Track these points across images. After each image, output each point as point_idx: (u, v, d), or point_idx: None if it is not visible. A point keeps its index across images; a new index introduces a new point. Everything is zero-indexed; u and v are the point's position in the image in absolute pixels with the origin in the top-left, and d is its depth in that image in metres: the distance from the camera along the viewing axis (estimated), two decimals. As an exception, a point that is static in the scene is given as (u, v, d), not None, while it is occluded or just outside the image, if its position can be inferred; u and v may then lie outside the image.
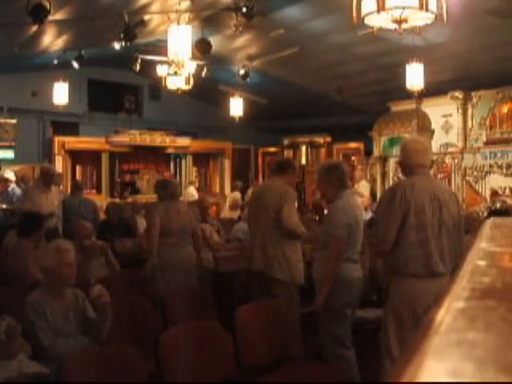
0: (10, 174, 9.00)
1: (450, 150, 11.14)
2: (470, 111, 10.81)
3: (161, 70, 9.21)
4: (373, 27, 5.08)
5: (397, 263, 3.23)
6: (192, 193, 12.35)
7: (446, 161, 11.06)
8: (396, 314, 3.24)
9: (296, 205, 4.78)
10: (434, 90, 9.61)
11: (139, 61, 9.18)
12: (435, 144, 11.47)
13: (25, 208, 6.32)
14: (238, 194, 12.04)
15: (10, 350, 2.81)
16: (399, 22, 4.78)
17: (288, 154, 14.49)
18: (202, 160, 14.50)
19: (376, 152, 12.11)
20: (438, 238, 3.22)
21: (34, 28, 7.74)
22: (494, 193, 10.13)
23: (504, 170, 10.24)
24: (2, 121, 11.69)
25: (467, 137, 10.87)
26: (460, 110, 10.85)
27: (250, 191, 12.54)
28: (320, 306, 3.70)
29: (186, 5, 7.62)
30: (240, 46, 10.37)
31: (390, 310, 3.30)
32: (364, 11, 4.76)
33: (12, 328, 2.86)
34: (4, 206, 8.31)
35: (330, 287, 3.67)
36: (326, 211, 5.66)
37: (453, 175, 10.94)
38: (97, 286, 3.27)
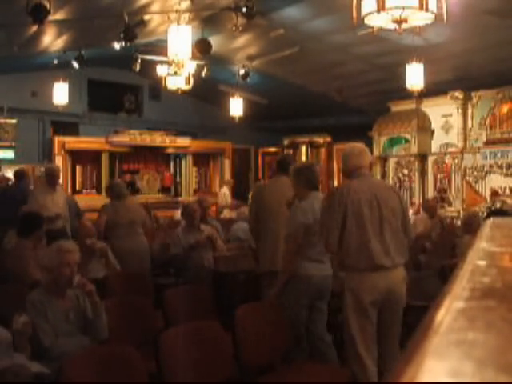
0: (10, 174, 9.00)
1: (449, 149, 11.14)
2: (470, 111, 10.81)
3: (161, 70, 9.21)
4: (373, 27, 5.09)
5: (344, 260, 3.43)
6: (225, 193, 12.43)
7: (446, 161, 11.06)
8: (350, 307, 3.39)
9: None
10: (433, 90, 9.61)
11: (139, 61, 9.18)
12: (435, 144, 11.49)
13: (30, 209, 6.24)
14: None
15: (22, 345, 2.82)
16: (399, 21, 4.78)
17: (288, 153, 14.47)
18: (202, 160, 14.49)
19: (376, 152, 12.10)
20: (380, 234, 3.36)
21: (34, 28, 7.74)
22: (494, 193, 10.13)
23: (504, 170, 10.24)
24: (2, 121, 11.68)
25: (467, 137, 10.87)
26: (460, 110, 10.85)
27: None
28: (273, 298, 3.86)
29: (185, 5, 7.62)
30: (240, 46, 10.37)
31: (346, 305, 3.45)
32: (364, 11, 4.76)
33: (27, 324, 2.86)
34: None
35: (287, 283, 3.85)
36: None
37: (453, 175, 10.94)
38: (76, 277, 3.24)
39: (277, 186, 4.61)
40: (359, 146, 3.78)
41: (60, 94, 10.82)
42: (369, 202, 3.37)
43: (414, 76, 8.48)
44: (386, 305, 3.42)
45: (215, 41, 8.67)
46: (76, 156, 12.52)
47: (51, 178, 6.81)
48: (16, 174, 8.13)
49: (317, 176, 4.09)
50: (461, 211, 10.42)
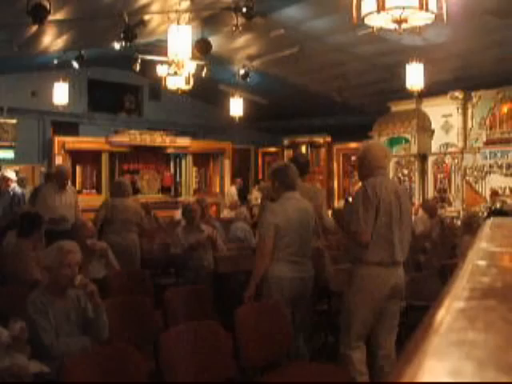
0: (11, 174, 8.99)
1: (449, 150, 11.14)
2: (470, 111, 10.81)
3: (161, 70, 9.21)
4: (373, 27, 5.08)
5: (364, 253, 3.48)
6: (231, 192, 12.47)
7: (446, 161, 11.06)
8: (359, 300, 3.48)
9: None
10: (433, 90, 9.61)
11: (139, 61, 9.17)
12: (435, 144, 11.48)
13: (39, 210, 6.05)
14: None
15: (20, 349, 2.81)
16: (399, 21, 4.78)
17: (288, 154, 14.49)
18: (202, 160, 14.49)
19: (376, 152, 12.10)
20: (399, 232, 3.53)
21: (34, 28, 7.74)
22: (494, 193, 10.13)
23: (504, 170, 10.24)
24: (2, 121, 11.68)
25: (467, 137, 10.87)
26: (460, 110, 10.85)
27: (255, 192, 12.61)
28: (246, 299, 3.84)
29: (185, 5, 7.62)
30: (240, 46, 10.37)
31: (353, 298, 3.52)
32: (364, 11, 4.76)
33: (23, 330, 2.85)
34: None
35: (260, 284, 3.88)
36: None
37: (453, 175, 10.94)
38: (78, 276, 3.23)
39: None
40: (385, 147, 3.95)
41: (60, 93, 10.82)
42: (394, 201, 3.52)
43: (414, 76, 8.48)
44: (391, 299, 3.53)
45: (215, 41, 8.67)
46: (76, 156, 12.51)
47: (60, 178, 6.67)
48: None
49: (292, 176, 4.03)
50: (461, 211, 10.42)
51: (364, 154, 3.73)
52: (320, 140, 14.30)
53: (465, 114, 10.85)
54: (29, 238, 4.79)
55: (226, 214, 11.38)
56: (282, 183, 4.00)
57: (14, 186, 8.84)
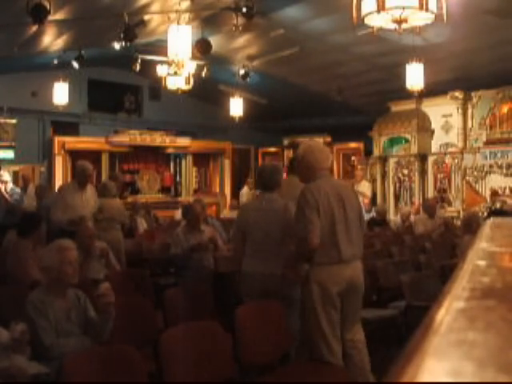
0: (5, 175, 8.92)
1: (449, 150, 11.14)
2: (470, 111, 10.81)
3: (161, 70, 9.21)
4: (373, 27, 5.09)
5: (315, 255, 3.58)
6: (243, 192, 12.53)
7: (446, 161, 11.06)
8: (318, 299, 3.55)
9: None
10: (433, 90, 9.61)
11: (139, 61, 9.18)
12: (435, 144, 11.49)
13: (58, 211, 5.97)
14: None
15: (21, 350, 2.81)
16: (399, 21, 4.79)
17: (288, 153, 14.49)
18: (202, 160, 14.49)
19: (376, 152, 12.11)
20: (345, 230, 3.60)
21: (34, 28, 7.74)
22: (494, 193, 10.13)
23: (504, 170, 10.24)
24: (2, 121, 11.68)
25: (467, 137, 10.87)
26: (460, 110, 10.86)
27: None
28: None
29: (185, 5, 7.62)
30: (240, 46, 10.37)
31: (313, 297, 3.58)
32: (364, 11, 4.76)
33: (24, 333, 2.84)
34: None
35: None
36: None
37: (453, 175, 10.94)
38: (104, 284, 3.23)
39: (291, 185, 4.64)
40: (325, 148, 3.99)
41: (60, 93, 10.82)
42: (336, 201, 3.58)
43: (414, 76, 8.48)
44: (350, 293, 3.62)
45: (215, 41, 8.67)
46: (76, 156, 12.49)
47: (82, 176, 6.28)
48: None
49: (267, 177, 4.13)
50: (461, 211, 10.42)
51: (304, 156, 3.74)
52: (320, 140, 14.28)
53: (465, 114, 10.85)
54: (28, 237, 4.79)
55: (225, 213, 11.38)
56: (259, 184, 4.24)
57: (12, 187, 8.82)
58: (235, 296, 4.24)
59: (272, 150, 15.49)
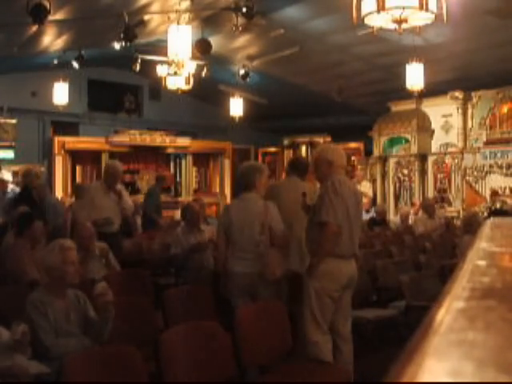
0: (7, 175, 8.94)
1: (450, 150, 11.14)
2: (470, 111, 10.82)
3: (161, 70, 9.21)
4: (373, 27, 5.09)
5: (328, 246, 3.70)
6: None
7: (446, 161, 11.06)
8: (319, 290, 3.66)
9: None
10: (433, 90, 9.61)
11: (139, 61, 9.18)
12: (435, 144, 11.49)
13: (83, 212, 5.75)
14: None
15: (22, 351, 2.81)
16: (399, 21, 4.79)
17: (288, 153, 14.49)
18: (202, 160, 14.49)
19: (376, 152, 12.11)
20: (355, 227, 3.80)
21: (34, 28, 7.74)
22: (494, 193, 10.13)
23: (504, 170, 10.24)
24: (2, 121, 11.68)
25: (467, 137, 10.87)
26: (460, 110, 10.86)
27: None
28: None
29: (185, 5, 7.62)
30: (240, 46, 10.37)
31: (312, 289, 3.68)
32: (364, 11, 4.76)
33: (25, 334, 2.84)
34: None
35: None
36: None
37: (453, 175, 10.94)
38: (101, 284, 3.23)
39: (291, 186, 4.65)
40: (341, 149, 4.20)
41: (60, 93, 10.82)
42: (353, 199, 3.77)
43: (414, 76, 8.48)
44: (347, 288, 3.77)
45: (215, 41, 8.67)
46: (76, 156, 12.52)
47: (112, 177, 5.91)
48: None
49: (246, 177, 4.24)
50: (461, 211, 10.42)
51: (322, 153, 3.93)
52: (320, 140, 14.29)
53: (465, 114, 10.85)
54: (24, 236, 4.79)
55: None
56: (241, 184, 4.31)
57: (12, 187, 8.83)
58: (222, 296, 4.26)
59: (272, 149, 15.49)
